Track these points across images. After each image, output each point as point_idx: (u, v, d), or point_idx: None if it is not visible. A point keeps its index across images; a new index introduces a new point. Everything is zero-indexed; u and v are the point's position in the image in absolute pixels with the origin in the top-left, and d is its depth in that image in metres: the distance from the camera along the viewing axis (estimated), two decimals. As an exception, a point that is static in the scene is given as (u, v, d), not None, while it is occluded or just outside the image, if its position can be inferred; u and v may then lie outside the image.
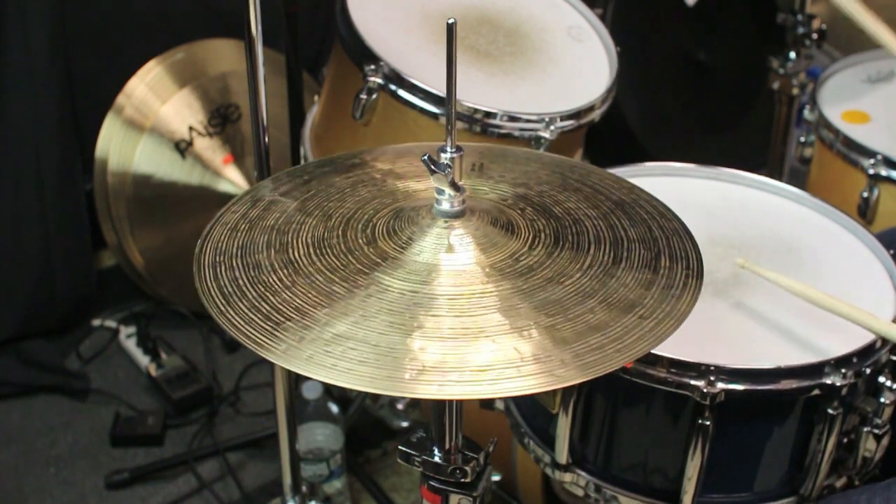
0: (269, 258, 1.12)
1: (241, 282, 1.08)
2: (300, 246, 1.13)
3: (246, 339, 1.01)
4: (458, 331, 1.02)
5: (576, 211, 1.20)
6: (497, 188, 1.24)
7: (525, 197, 1.22)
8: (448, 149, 1.11)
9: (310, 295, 1.06)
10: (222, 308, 1.05)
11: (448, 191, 1.12)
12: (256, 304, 1.05)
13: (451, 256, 1.10)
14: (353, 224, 1.16)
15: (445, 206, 1.13)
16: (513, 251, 1.12)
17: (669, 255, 1.15)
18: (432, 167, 1.11)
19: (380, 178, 1.26)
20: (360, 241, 1.13)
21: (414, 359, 0.99)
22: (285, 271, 1.09)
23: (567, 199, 1.23)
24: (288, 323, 1.03)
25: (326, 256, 1.11)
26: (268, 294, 1.06)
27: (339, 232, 1.15)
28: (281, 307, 1.05)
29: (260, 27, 1.45)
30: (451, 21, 1.06)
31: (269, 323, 1.03)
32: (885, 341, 1.41)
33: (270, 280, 1.08)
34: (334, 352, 0.99)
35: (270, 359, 1.00)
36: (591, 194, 1.24)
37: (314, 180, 1.26)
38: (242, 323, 1.03)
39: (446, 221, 1.13)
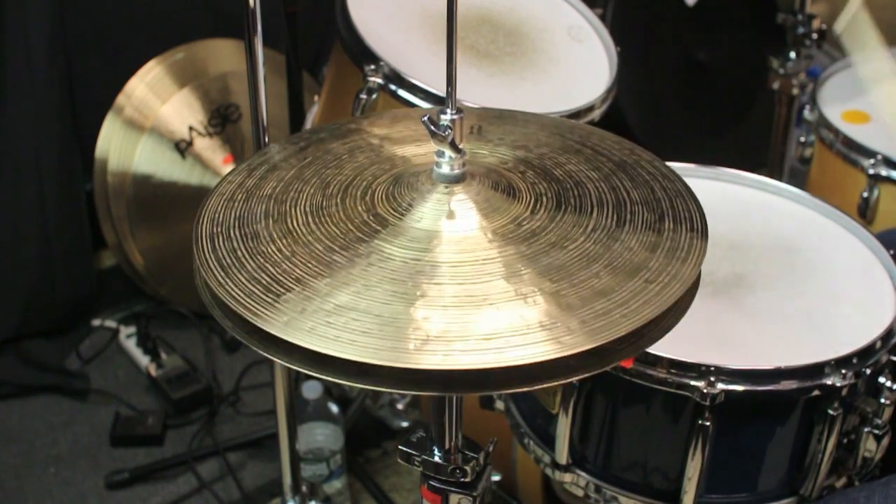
0: (267, 228, 1.09)
1: (239, 253, 1.06)
2: (299, 215, 1.11)
3: (246, 312, 0.99)
4: (462, 299, 1.00)
5: (577, 173, 1.18)
6: (497, 151, 1.22)
7: (525, 160, 1.20)
8: (448, 110, 1.09)
9: (310, 265, 1.04)
10: (221, 280, 1.03)
11: (448, 153, 1.10)
12: (256, 275, 1.03)
13: (453, 222, 1.08)
14: (352, 191, 1.14)
15: (446, 169, 1.11)
16: (515, 216, 1.10)
17: (673, 217, 1.12)
18: (432, 129, 1.09)
19: (377, 143, 1.24)
20: (360, 208, 1.11)
21: (418, 328, 0.97)
22: (284, 241, 1.07)
23: (568, 160, 1.20)
24: (288, 294, 1.00)
25: (326, 225, 1.09)
26: (267, 265, 1.04)
27: (338, 199, 1.13)
28: (281, 278, 1.02)
29: (260, 27, 1.45)
30: None
31: (269, 294, 1.00)
32: (885, 342, 1.41)
33: (269, 250, 1.06)
34: (336, 323, 0.97)
35: (272, 331, 0.97)
36: (591, 156, 1.22)
37: (311, 147, 1.23)
38: (242, 295, 1.01)
39: (447, 186, 1.11)
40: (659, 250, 1.08)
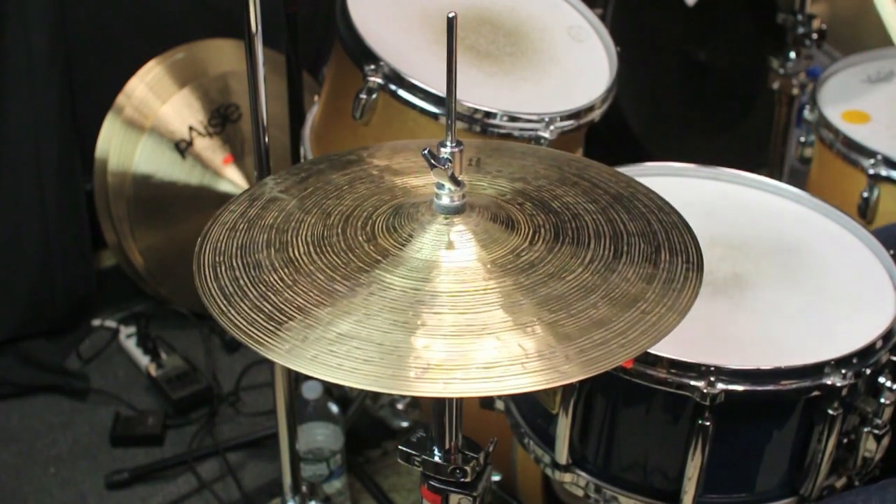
0: (269, 257, 1.11)
1: (241, 282, 1.08)
2: (300, 244, 1.13)
3: (249, 340, 1.01)
4: (461, 328, 1.02)
5: (575, 205, 1.20)
6: (495, 183, 1.23)
7: (523, 192, 1.22)
8: (448, 143, 1.11)
9: (312, 294, 1.05)
10: (224, 309, 1.05)
11: (448, 185, 1.12)
12: (258, 303, 1.05)
13: (452, 253, 1.10)
14: (353, 221, 1.16)
15: (445, 201, 1.13)
16: (513, 247, 1.11)
17: (669, 249, 1.15)
18: (432, 162, 1.10)
19: (377, 174, 1.25)
20: (360, 238, 1.13)
21: (418, 357, 0.99)
22: (286, 270, 1.09)
23: (565, 193, 1.22)
24: (291, 322, 1.02)
25: (327, 255, 1.11)
26: (269, 294, 1.06)
27: (339, 230, 1.14)
28: (283, 307, 1.04)
29: (260, 27, 1.45)
30: (451, 15, 1.06)
31: (271, 323, 1.02)
32: (885, 342, 1.41)
33: (271, 279, 1.08)
34: (338, 351, 0.99)
35: (274, 359, 0.99)
36: (589, 188, 1.24)
37: (311, 177, 1.25)
38: (245, 323, 1.03)
39: (446, 218, 1.13)
40: (655, 282, 1.10)
